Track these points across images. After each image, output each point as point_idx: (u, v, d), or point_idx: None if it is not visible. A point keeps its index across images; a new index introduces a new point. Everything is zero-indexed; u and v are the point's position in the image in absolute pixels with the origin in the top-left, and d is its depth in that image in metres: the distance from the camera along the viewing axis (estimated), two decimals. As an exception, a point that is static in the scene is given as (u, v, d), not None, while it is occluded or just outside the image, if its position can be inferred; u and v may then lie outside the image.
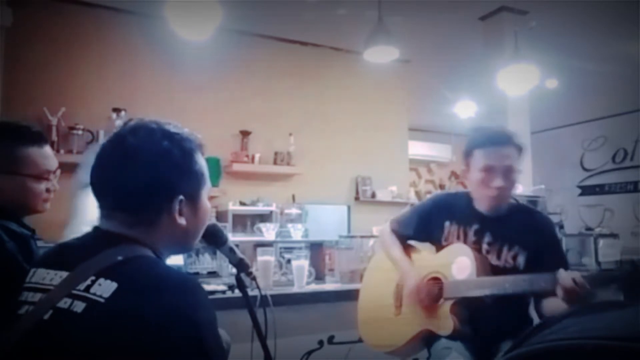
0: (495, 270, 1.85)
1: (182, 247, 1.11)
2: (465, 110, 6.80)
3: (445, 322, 1.84)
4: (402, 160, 6.33)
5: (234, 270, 1.41)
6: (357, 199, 5.82)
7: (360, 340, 2.19)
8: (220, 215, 4.73)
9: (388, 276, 2.09)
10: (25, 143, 1.46)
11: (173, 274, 0.95)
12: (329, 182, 5.58)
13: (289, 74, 5.52)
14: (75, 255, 0.96)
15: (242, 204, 4.93)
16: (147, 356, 0.82)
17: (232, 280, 1.80)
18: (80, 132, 4.41)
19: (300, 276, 2.68)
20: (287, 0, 4.66)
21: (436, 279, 1.92)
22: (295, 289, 2.65)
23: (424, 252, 2.11)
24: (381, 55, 3.80)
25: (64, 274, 0.94)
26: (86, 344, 0.83)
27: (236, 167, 5.08)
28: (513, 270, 1.84)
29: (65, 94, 4.50)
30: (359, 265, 2.88)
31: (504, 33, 4.77)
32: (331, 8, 4.78)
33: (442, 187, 9.14)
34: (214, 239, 1.33)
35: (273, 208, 4.90)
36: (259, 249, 2.76)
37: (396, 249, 2.09)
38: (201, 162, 1.07)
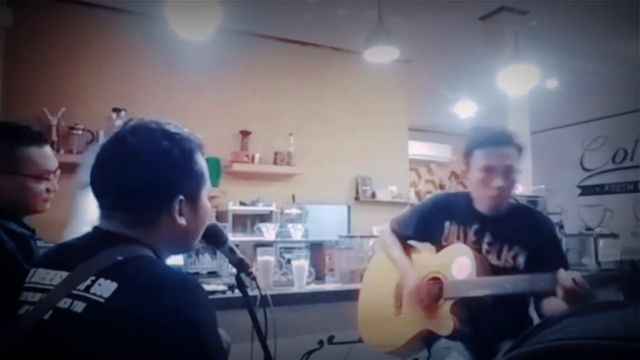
0: (495, 270, 1.85)
1: (182, 247, 1.11)
2: (465, 110, 6.80)
3: (445, 322, 1.84)
4: (402, 160, 6.32)
5: (234, 270, 1.41)
6: (357, 199, 5.82)
7: (360, 340, 2.19)
8: (220, 215, 4.73)
9: (388, 276, 2.09)
10: (25, 143, 1.46)
11: (173, 274, 0.95)
12: (329, 182, 5.58)
13: (289, 74, 5.52)
14: (75, 255, 0.96)
15: (242, 204, 4.93)
16: (147, 356, 0.82)
17: (232, 280, 1.79)
18: (80, 132, 4.41)
19: (300, 276, 2.68)
20: (287, 0, 4.66)
21: (436, 279, 1.92)
22: (295, 289, 2.65)
23: (424, 252, 2.11)
24: (381, 55, 3.80)
25: (64, 274, 0.94)
26: (86, 344, 0.83)
27: (236, 167, 5.08)
28: (513, 270, 1.84)
29: (65, 94, 4.50)
30: (359, 265, 2.88)
31: (504, 33, 4.76)
32: (331, 8, 4.78)
33: (442, 187, 9.13)
34: (214, 239, 1.33)
35: (273, 208, 4.90)
36: (259, 249, 2.76)
37: (396, 249, 2.09)
38: (201, 162, 1.07)
